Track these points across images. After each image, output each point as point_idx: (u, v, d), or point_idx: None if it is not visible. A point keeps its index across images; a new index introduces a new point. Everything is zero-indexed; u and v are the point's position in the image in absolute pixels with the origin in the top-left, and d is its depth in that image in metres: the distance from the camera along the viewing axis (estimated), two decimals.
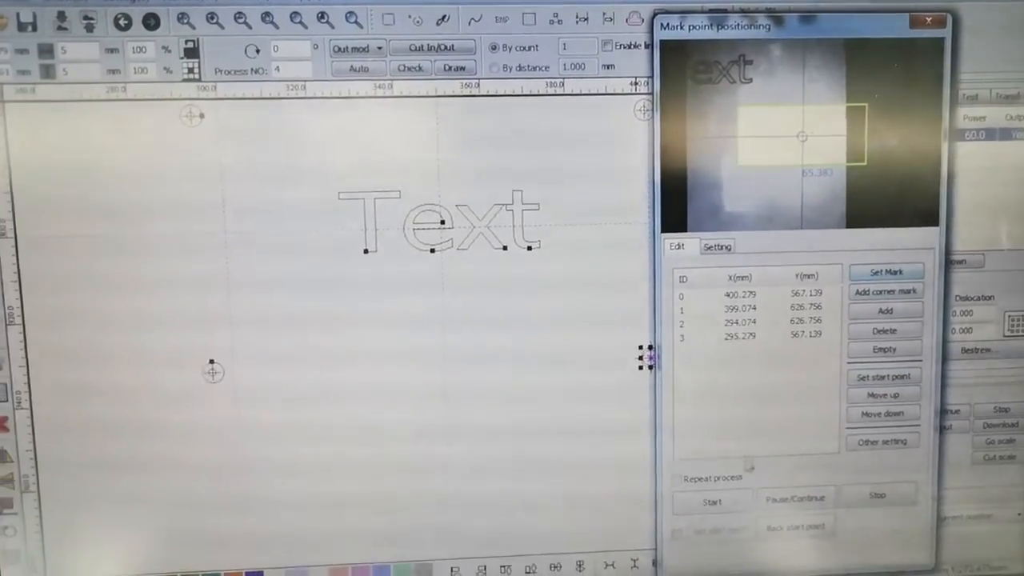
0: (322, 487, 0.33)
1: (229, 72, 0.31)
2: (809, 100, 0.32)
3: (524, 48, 0.32)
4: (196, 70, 0.31)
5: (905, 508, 0.35)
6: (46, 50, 0.31)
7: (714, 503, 0.34)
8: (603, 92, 0.32)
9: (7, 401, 0.32)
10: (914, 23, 0.32)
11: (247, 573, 0.33)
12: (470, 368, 0.33)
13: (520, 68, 0.32)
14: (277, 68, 0.31)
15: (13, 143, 0.31)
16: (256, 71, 0.31)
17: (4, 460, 0.32)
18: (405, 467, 0.33)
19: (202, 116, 0.31)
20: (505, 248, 0.32)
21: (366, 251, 0.32)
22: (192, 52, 0.31)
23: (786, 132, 0.33)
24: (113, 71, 0.31)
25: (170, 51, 0.31)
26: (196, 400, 0.32)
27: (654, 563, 0.34)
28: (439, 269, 0.32)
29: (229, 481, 0.33)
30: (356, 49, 0.31)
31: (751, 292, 0.33)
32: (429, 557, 0.34)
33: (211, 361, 0.32)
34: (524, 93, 0.32)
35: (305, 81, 0.31)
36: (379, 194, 0.32)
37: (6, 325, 0.31)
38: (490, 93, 0.32)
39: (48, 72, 0.31)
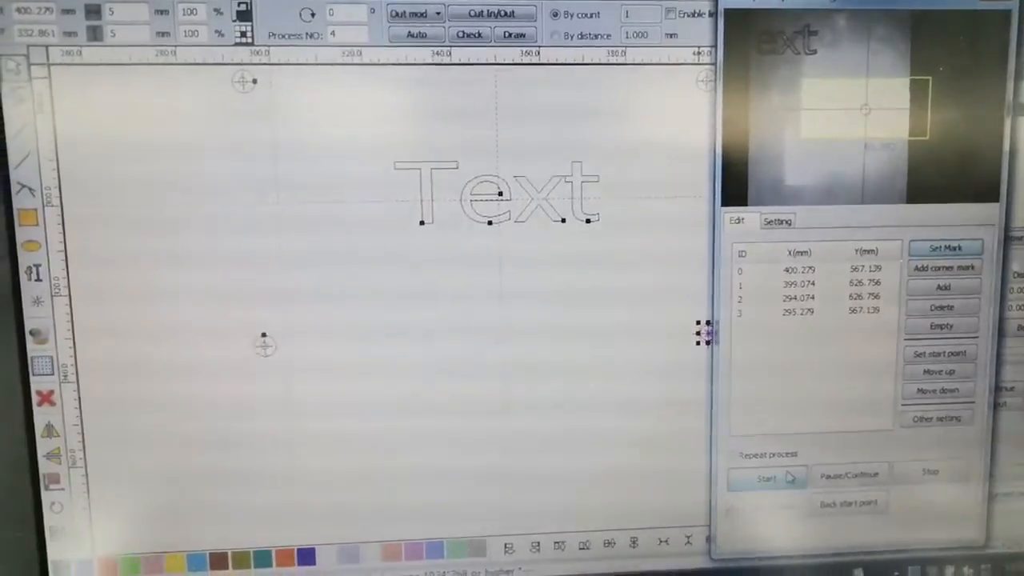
0: (375, 463, 0.32)
1: (283, 36, 0.30)
2: (873, 72, 0.32)
3: (586, 15, 0.31)
4: (249, 34, 0.30)
5: (957, 485, 0.34)
6: (93, 11, 0.29)
7: (769, 479, 0.34)
8: (665, 62, 0.31)
9: (53, 374, 0.31)
10: None
11: (299, 550, 0.33)
12: (526, 341, 0.32)
13: (581, 36, 0.31)
14: (333, 33, 0.30)
15: (59, 107, 0.30)
16: (311, 35, 0.30)
17: (51, 435, 0.31)
18: (459, 442, 0.32)
19: (255, 82, 0.30)
20: (563, 221, 0.32)
21: (422, 223, 0.31)
22: (245, 15, 0.30)
23: (849, 105, 0.32)
24: (162, 34, 0.30)
25: (222, 13, 0.30)
26: (247, 375, 0.31)
27: (707, 539, 0.34)
28: (497, 241, 0.32)
29: (280, 457, 0.32)
30: (414, 14, 0.30)
31: (810, 267, 0.33)
32: (482, 533, 0.33)
33: (263, 335, 0.31)
34: (585, 62, 0.31)
35: (361, 47, 0.30)
36: (436, 164, 0.31)
37: (52, 297, 0.30)
38: (550, 61, 0.31)
39: (95, 34, 0.30)
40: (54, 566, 0.32)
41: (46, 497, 0.31)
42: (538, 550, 0.33)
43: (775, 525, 0.34)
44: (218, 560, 0.32)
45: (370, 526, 0.33)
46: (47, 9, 0.29)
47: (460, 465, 0.33)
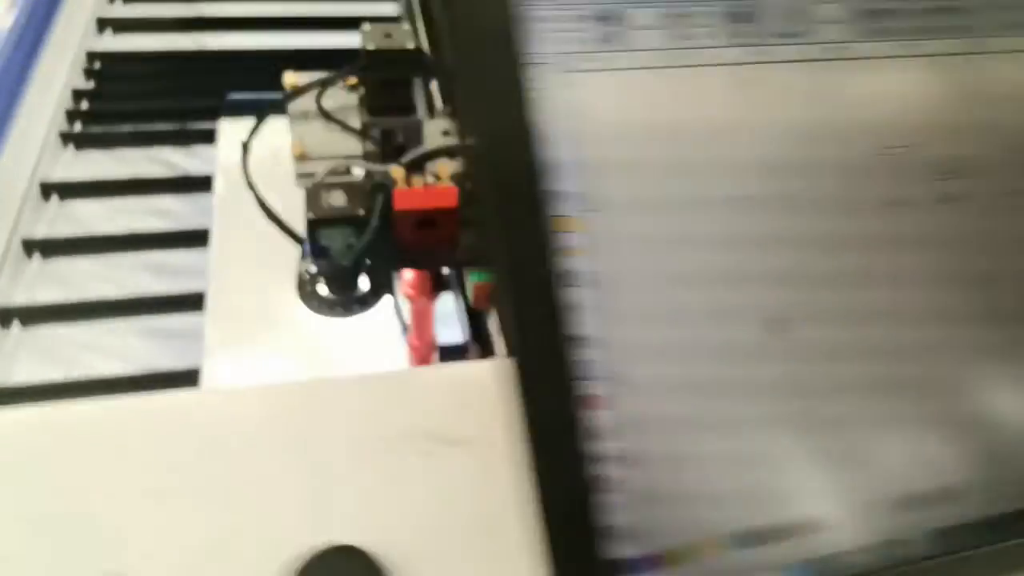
0: None
1: (778, 36, 0.32)
2: None
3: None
4: (748, 35, 0.32)
5: None
6: (610, 17, 0.31)
7: None
8: None
9: (599, 380, 0.30)
10: None
11: None
12: None
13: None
14: (816, 31, 0.32)
15: (579, 113, 0.30)
16: (799, 34, 0.32)
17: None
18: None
19: (753, 81, 0.32)
20: None
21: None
22: (746, 16, 0.32)
23: None
24: (677, 37, 0.31)
25: (728, 17, 0.31)
26: (757, 358, 0.32)
27: None
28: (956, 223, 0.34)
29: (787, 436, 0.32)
30: (884, 11, 0.33)
31: None
32: None
33: (773, 318, 0.32)
34: None
35: (843, 43, 0.33)
36: (900, 150, 0.33)
37: (588, 302, 0.30)
38: (994, 50, 0.34)
39: (609, 39, 0.31)
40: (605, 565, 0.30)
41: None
42: None
43: None
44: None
45: None
46: (563, 18, 0.30)
47: None
